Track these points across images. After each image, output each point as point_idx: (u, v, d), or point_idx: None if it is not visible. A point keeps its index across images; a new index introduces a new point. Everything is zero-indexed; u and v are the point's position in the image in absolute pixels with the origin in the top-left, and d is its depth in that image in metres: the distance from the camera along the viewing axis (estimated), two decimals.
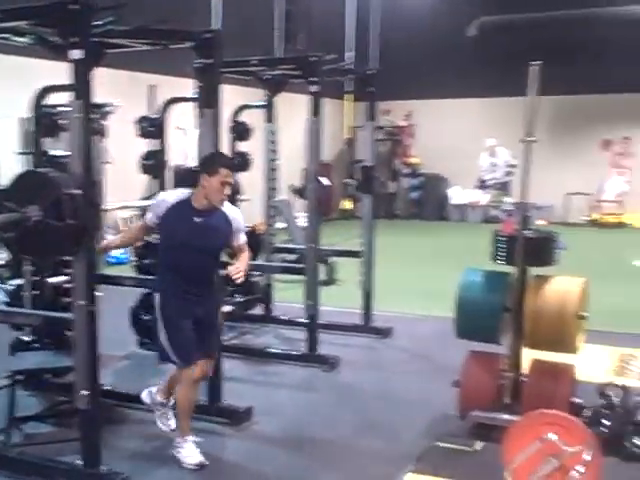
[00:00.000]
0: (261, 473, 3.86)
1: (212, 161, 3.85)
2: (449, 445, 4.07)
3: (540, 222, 13.27)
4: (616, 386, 4.62)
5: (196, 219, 3.76)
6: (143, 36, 4.11)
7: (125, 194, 6.73)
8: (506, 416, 4.05)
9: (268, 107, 6.44)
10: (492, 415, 4.15)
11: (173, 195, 3.87)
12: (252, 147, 6.87)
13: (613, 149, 15.63)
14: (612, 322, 6.52)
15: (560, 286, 4.15)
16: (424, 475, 3.72)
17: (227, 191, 3.76)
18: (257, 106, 6.58)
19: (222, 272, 4.03)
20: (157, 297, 3.83)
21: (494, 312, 4.20)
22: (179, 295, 3.78)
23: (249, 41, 7.51)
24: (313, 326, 5.65)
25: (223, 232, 3.84)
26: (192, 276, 3.80)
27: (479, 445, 4.02)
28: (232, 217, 3.86)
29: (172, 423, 4.09)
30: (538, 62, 3.75)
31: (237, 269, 3.71)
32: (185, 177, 5.42)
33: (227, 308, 5.84)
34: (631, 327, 6.65)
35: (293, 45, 8.22)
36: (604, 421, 4.03)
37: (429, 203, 16.89)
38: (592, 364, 5.32)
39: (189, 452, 3.84)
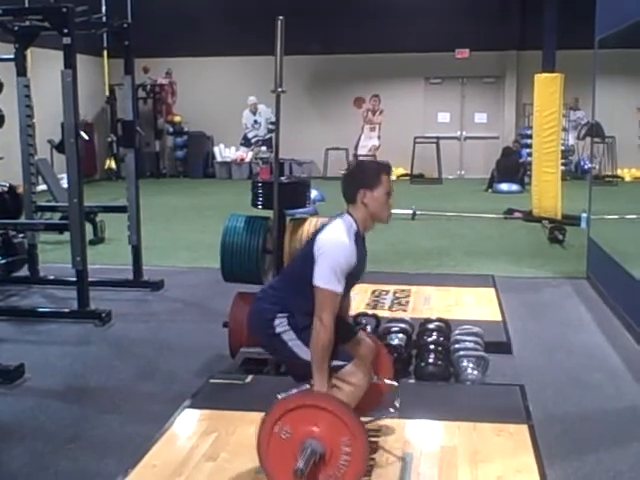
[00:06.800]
0: (39, 427, 3.84)
1: (369, 170, 3.03)
2: (222, 380, 4.26)
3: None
4: (368, 315, 5.18)
5: (364, 248, 3.09)
6: None
7: None
8: None
9: (18, 60, 6.18)
10: (259, 349, 4.43)
11: (344, 232, 2.94)
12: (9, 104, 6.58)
13: (365, 106, 16.74)
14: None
15: (315, 227, 4.51)
16: (200, 409, 3.91)
17: (391, 201, 3.06)
18: (5, 59, 6.30)
19: None
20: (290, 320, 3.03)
21: (256, 254, 4.41)
22: None
23: None
24: (82, 282, 5.62)
25: None
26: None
27: (249, 378, 4.24)
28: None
29: None
30: (281, 17, 4.03)
31: None
32: None
33: None
34: (383, 267, 7.28)
35: None
36: None
37: (195, 161, 17.01)
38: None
39: None
